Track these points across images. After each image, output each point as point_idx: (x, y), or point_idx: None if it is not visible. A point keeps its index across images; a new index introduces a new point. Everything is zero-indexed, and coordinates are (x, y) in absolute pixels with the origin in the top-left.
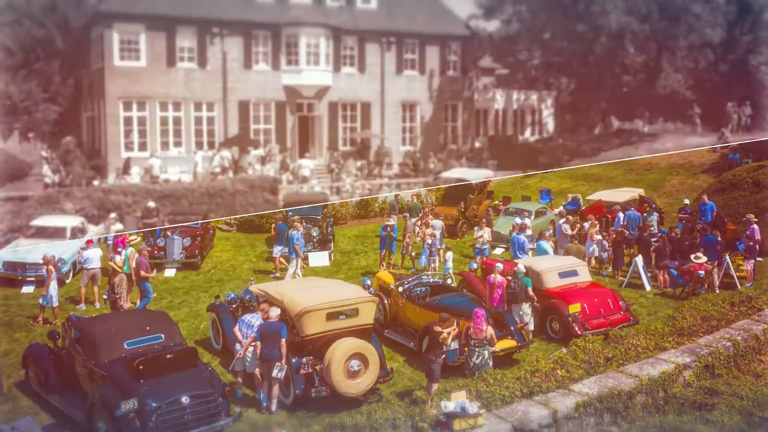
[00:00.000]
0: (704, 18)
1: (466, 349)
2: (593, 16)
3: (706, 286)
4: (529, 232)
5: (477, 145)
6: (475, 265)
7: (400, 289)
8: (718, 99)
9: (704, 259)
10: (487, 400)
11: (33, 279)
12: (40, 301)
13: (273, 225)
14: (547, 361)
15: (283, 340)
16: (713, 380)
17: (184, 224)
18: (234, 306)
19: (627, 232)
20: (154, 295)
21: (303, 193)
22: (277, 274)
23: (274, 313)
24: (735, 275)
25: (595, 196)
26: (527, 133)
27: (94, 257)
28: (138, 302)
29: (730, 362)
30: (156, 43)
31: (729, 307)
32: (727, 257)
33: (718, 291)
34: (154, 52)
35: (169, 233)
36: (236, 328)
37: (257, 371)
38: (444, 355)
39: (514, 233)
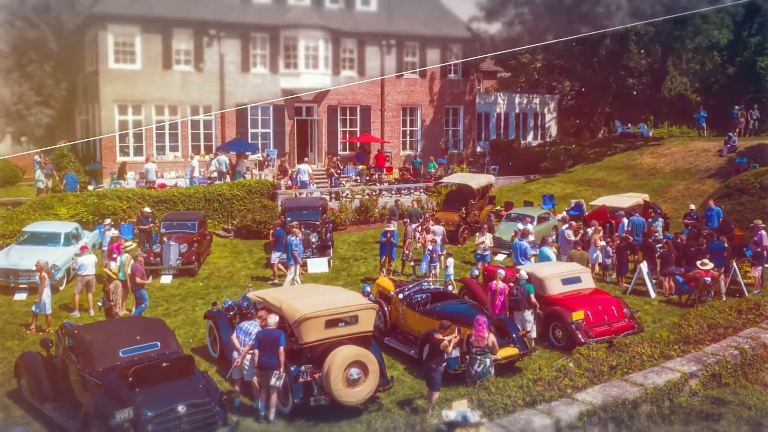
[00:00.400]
0: (711, 19)
1: (467, 357)
2: (597, 17)
3: (712, 293)
4: (531, 237)
5: (478, 149)
6: (476, 272)
7: (401, 295)
8: (725, 102)
9: (711, 265)
10: (488, 409)
11: (26, 286)
12: (33, 308)
13: (271, 231)
14: (550, 369)
15: (282, 348)
16: (720, 389)
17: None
18: (231, 313)
19: (631, 238)
20: (150, 302)
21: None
22: (276, 281)
23: (273, 320)
24: (742, 282)
25: (599, 202)
26: (529, 137)
27: (88, 264)
28: (133, 310)
29: (738, 371)
30: (152, 45)
31: (736, 314)
32: (734, 264)
33: (724, 298)
34: (150, 55)
35: (165, 239)
36: (234, 336)
37: (255, 379)
38: (445, 363)
39: (516, 239)
